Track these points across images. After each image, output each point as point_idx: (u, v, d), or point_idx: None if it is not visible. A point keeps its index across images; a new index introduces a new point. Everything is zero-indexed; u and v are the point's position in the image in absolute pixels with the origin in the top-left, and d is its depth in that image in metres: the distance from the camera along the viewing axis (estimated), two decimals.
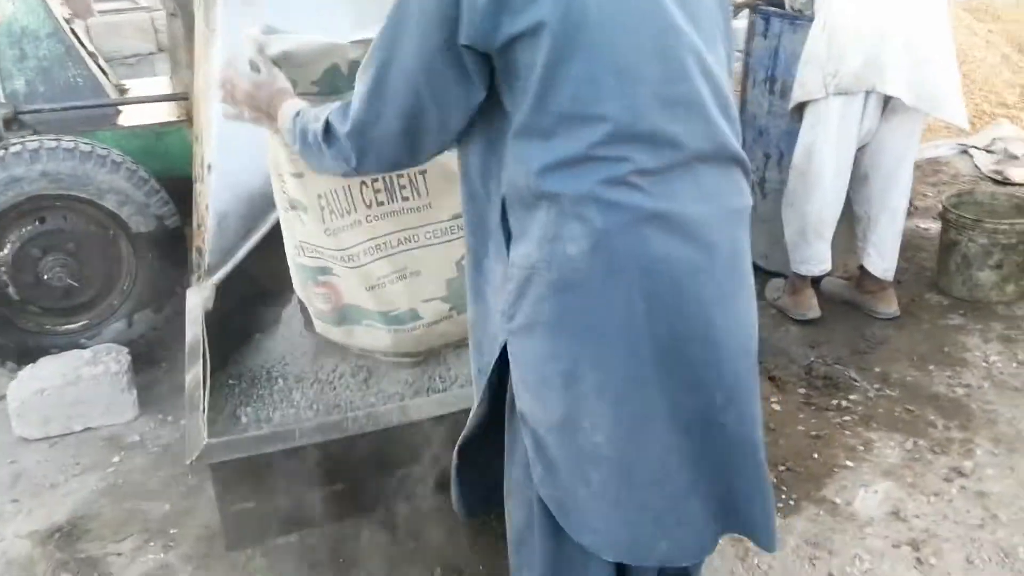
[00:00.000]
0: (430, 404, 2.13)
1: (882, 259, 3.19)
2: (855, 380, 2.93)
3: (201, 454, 1.93)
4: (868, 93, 2.91)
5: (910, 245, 3.64)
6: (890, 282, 3.25)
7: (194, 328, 2.27)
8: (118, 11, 6.33)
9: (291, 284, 2.30)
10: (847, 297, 3.37)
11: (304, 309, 2.34)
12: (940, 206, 3.49)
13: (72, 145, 2.80)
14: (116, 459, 2.65)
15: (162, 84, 4.00)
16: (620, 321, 1.35)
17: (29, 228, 2.86)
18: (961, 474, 2.48)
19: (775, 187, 3.39)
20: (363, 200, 2.07)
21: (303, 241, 2.13)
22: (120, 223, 2.90)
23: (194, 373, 2.15)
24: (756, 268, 3.53)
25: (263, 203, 2.39)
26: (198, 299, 2.35)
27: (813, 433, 2.67)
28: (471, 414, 1.65)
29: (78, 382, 2.73)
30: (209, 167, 2.40)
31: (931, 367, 2.98)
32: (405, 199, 2.11)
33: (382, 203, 2.09)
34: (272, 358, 2.47)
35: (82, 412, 2.76)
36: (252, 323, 2.55)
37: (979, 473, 2.48)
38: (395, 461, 2.18)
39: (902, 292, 3.38)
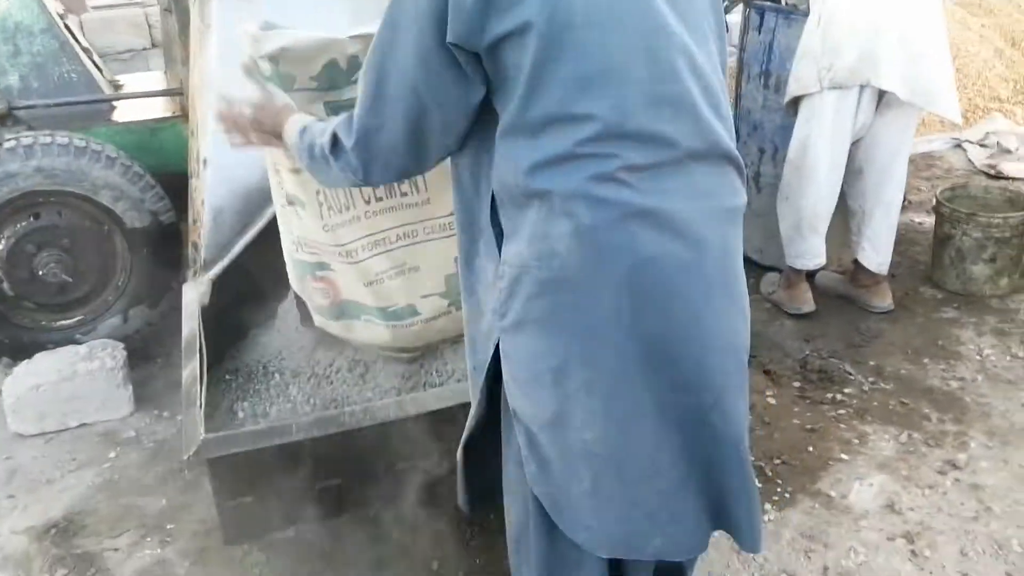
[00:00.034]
0: (427, 399, 2.13)
1: (877, 253, 3.20)
2: (850, 373, 2.94)
3: (198, 449, 1.93)
4: (862, 87, 2.92)
5: (904, 239, 3.66)
6: (884, 276, 3.26)
7: (190, 323, 2.27)
8: (111, 6, 6.32)
9: (287, 279, 2.30)
10: (841, 291, 3.38)
11: (301, 304, 2.34)
12: (934, 200, 3.50)
13: (67, 141, 2.80)
14: (112, 455, 2.65)
15: (156, 80, 3.99)
16: (609, 318, 1.35)
17: (24, 224, 2.86)
18: (955, 467, 2.49)
19: (770, 181, 3.39)
20: (362, 196, 2.07)
21: (301, 236, 2.13)
22: (115, 219, 2.90)
23: (191, 368, 2.15)
24: (751, 262, 3.59)
25: (259, 198, 2.39)
26: (194, 294, 2.35)
27: (808, 426, 2.68)
28: (471, 413, 1.64)
29: (74, 378, 2.72)
30: (205, 162, 2.40)
31: (925, 360, 2.99)
32: (404, 195, 2.11)
33: (380, 199, 2.09)
34: (268, 353, 2.47)
35: (78, 408, 2.76)
36: (248, 318, 2.55)
37: (973, 466, 2.49)
38: (392, 456, 2.18)
39: (896, 286, 3.40)
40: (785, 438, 2.62)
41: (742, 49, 3.47)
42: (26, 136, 2.79)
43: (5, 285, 2.87)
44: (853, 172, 3.15)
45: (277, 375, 2.40)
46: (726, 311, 1.43)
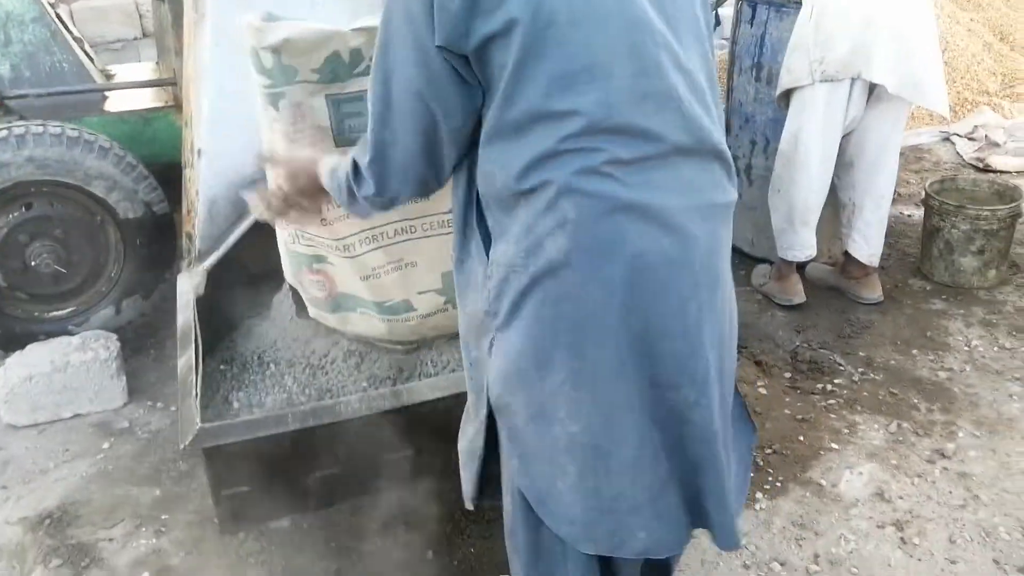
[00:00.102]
0: (422, 388, 2.13)
1: (867, 244, 3.22)
2: (840, 364, 2.96)
3: (194, 439, 1.93)
4: (854, 80, 2.94)
5: (893, 231, 3.68)
6: (874, 268, 3.29)
7: (185, 313, 2.26)
8: None
9: (281, 270, 2.30)
10: (832, 283, 3.41)
11: (296, 295, 2.34)
12: (923, 193, 3.52)
13: (59, 131, 2.78)
14: (106, 445, 2.65)
15: (147, 69, 3.97)
16: (595, 311, 1.35)
17: (16, 214, 2.84)
18: (944, 456, 2.52)
19: (761, 174, 3.41)
20: None
21: (298, 229, 2.13)
22: (108, 209, 2.89)
23: (186, 358, 2.15)
24: (742, 254, 3.62)
25: (254, 188, 2.38)
26: (189, 284, 2.35)
27: (799, 416, 2.70)
28: (467, 410, 1.64)
29: (67, 368, 2.72)
30: (199, 152, 2.39)
31: (914, 351, 3.02)
32: None
33: None
34: (263, 343, 2.47)
35: (71, 399, 2.75)
36: (243, 309, 2.55)
37: (961, 455, 2.52)
38: (387, 445, 2.19)
39: (886, 277, 3.42)
40: (776, 428, 2.64)
41: (734, 42, 3.48)
42: (18, 126, 2.77)
43: None
44: (844, 165, 3.17)
45: (272, 365, 2.40)
46: (712, 306, 1.43)
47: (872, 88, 2.99)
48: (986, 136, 4.82)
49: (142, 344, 3.10)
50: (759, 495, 2.36)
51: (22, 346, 2.81)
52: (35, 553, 2.23)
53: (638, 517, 1.46)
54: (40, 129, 2.77)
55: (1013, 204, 3.35)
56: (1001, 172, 4.43)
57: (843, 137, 3.09)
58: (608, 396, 1.39)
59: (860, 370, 2.92)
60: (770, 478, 2.44)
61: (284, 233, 2.17)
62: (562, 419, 1.41)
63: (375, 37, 1.40)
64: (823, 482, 2.43)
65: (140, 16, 6.28)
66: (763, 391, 2.82)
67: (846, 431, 2.63)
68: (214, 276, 2.40)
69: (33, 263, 2.87)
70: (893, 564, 2.16)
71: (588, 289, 1.34)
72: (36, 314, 2.97)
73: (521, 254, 1.36)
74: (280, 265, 2.28)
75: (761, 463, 2.49)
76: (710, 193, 1.41)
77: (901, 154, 3.26)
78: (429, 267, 2.19)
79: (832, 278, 3.41)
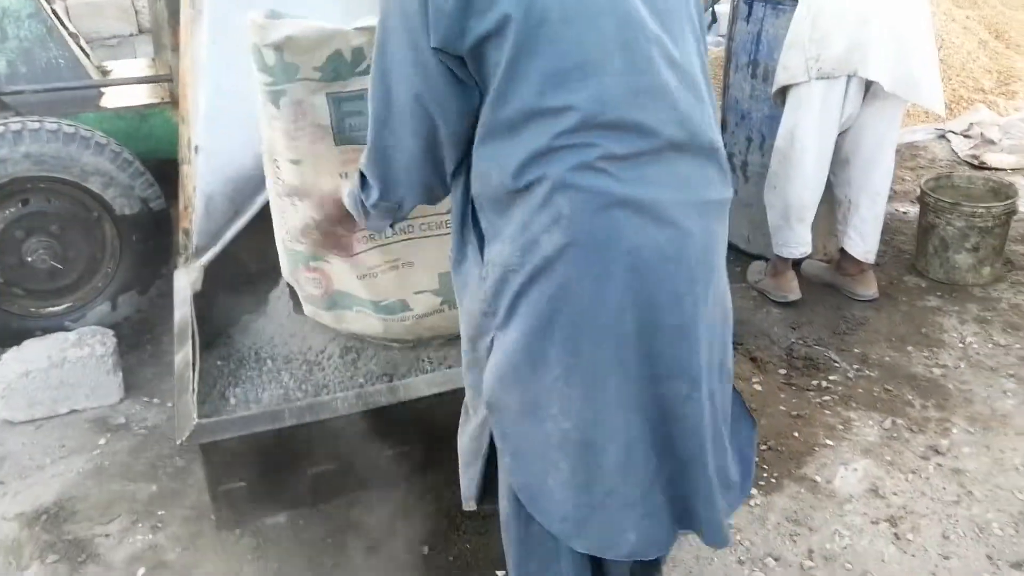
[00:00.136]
0: (418, 384, 2.14)
1: (863, 241, 3.23)
2: (835, 361, 2.97)
3: (191, 434, 1.94)
4: (850, 78, 2.94)
5: (888, 228, 3.69)
6: (870, 264, 3.30)
7: (183, 309, 2.27)
8: None
9: (278, 266, 2.30)
10: (827, 279, 3.41)
11: (293, 292, 2.35)
12: (918, 190, 3.53)
13: (55, 127, 2.78)
14: (102, 441, 2.65)
15: (143, 66, 3.97)
16: (590, 306, 1.35)
17: (12, 210, 2.83)
18: (938, 452, 2.53)
19: (757, 171, 3.42)
20: None
21: (296, 227, 2.13)
22: (104, 205, 2.88)
23: (183, 354, 2.15)
24: (738, 251, 3.62)
25: (251, 185, 2.39)
26: (186, 280, 2.35)
27: (794, 413, 2.71)
28: (470, 412, 1.64)
29: (63, 364, 2.71)
30: (196, 148, 2.40)
31: (909, 348, 3.03)
32: None
33: None
34: (260, 339, 2.47)
35: (67, 394, 2.75)
36: (239, 305, 2.55)
37: (955, 451, 2.53)
38: (383, 441, 2.20)
39: (881, 274, 3.43)
40: (771, 424, 2.65)
41: (730, 39, 3.49)
42: (14, 122, 2.77)
43: None
44: (840, 162, 3.17)
45: (269, 361, 2.41)
46: (707, 301, 1.44)
47: (868, 85, 3.00)
48: (981, 133, 4.83)
49: (138, 340, 3.10)
50: (754, 491, 2.37)
51: (18, 342, 2.80)
52: (32, 548, 2.23)
53: (629, 515, 1.47)
54: (37, 125, 2.77)
55: (1008, 201, 3.36)
56: (996, 169, 4.44)
57: (839, 134, 3.09)
58: (601, 392, 1.39)
59: (855, 367, 2.94)
60: (765, 474, 2.44)
61: (282, 231, 2.17)
62: (554, 415, 1.41)
63: None
64: (818, 478, 2.44)
65: (136, 12, 6.28)
66: (758, 387, 2.83)
67: (841, 427, 2.64)
68: (211, 272, 2.40)
69: (29, 259, 2.87)
70: (887, 559, 2.17)
71: (583, 284, 1.34)
72: (32, 310, 2.96)
73: (517, 253, 1.36)
74: (277, 261, 2.28)
75: (756, 459, 2.50)
76: (704, 189, 1.42)
77: (897, 151, 3.26)
78: (426, 267, 2.20)
79: (828, 275, 3.42)
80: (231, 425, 2.02)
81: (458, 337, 1.66)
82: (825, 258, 3.51)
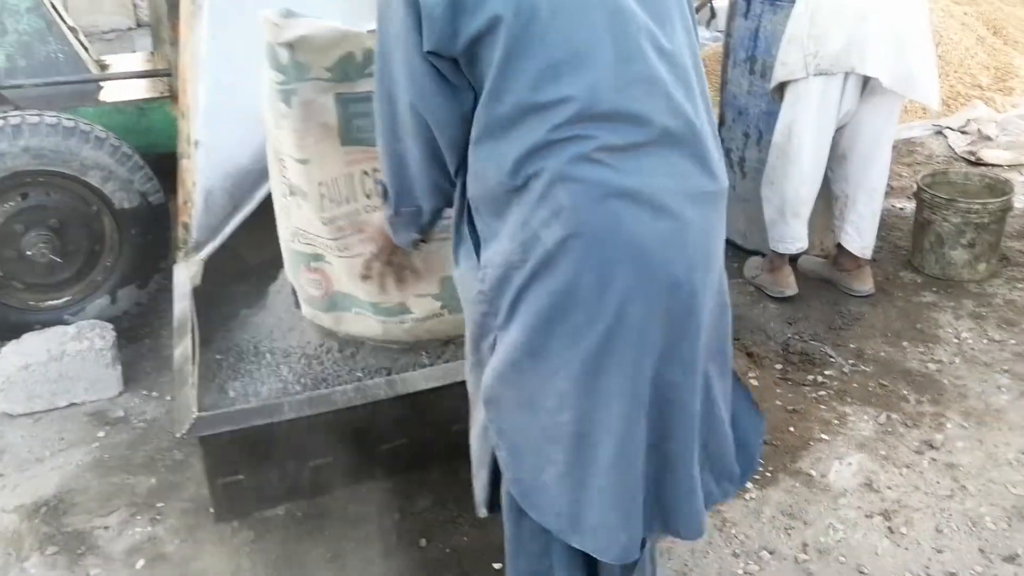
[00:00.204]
0: (417, 378, 2.15)
1: (860, 237, 3.24)
2: (831, 356, 2.99)
3: (191, 427, 1.95)
4: (848, 74, 2.95)
5: (885, 224, 3.70)
6: (866, 260, 3.31)
7: (182, 303, 2.28)
8: None
9: (278, 261, 2.31)
10: (824, 275, 3.43)
11: (295, 290, 2.35)
12: (915, 186, 3.54)
13: (55, 121, 2.78)
14: (101, 434, 2.65)
15: (141, 60, 3.97)
16: (591, 297, 1.36)
17: (11, 204, 2.84)
18: (932, 447, 2.55)
19: (754, 166, 3.43)
20: (363, 190, 2.08)
21: (298, 228, 2.13)
22: (103, 199, 2.88)
23: (182, 348, 2.16)
24: (735, 247, 3.63)
25: (250, 179, 2.40)
26: (186, 274, 2.36)
27: (790, 407, 2.72)
28: (474, 415, 1.64)
29: (63, 358, 2.72)
30: (196, 144, 2.41)
31: (904, 343, 3.05)
32: None
33: None
34: (259, 333, 2.48)
35: (67, 388, 2.75)
36: (238, 299, 2.56)
37: (949, 446, 2.55)
38: (381, 434, 2.21)
39: (877, 270, 3.45)
40: (767, 419, 2.65)
41: (728, 35, 3.49)
42: (14, 116, 2.77)
43: None
44: (837, 157, 3.18)
45: (268, 355, 2.42)
46: (706, 291, 1.45)
47: (866, 82, 3.00)
48: (978, 130, 4.84)
49: (137, 334, 3.11)
50: (749, 485, 2.38)
51: (18, 335, 2.80)
52: (31, 540, 2.24)
53: (620, 513, 1.47)
54: (36, 119, 2.77)
55: (1004, 198, 3.37)
56: (993, 165, 4.45)
57: (837, 130, 3.10)
58: (599, 383, 1.40)
59: (851, 362, 2.95)
60: (760, 468, 2.45)
61: (285, 232, 2.18)
62: (550, 409, 1.42)
63: None
64: (813, 472, 2.46)
65: (134, 6, 6.28)
66: (754, 382, 2.84)
67: (836, 422, 2.66)
68: (210, 267, 2.41)
69: (29, 252, 2.87)
70: (880, 553, 2.18)
71: (584, 275, 1.35)
72: (32, 303, 2.96)
73: (518, 250, 1.37)
74: (275, 256, 2.30)
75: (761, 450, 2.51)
76: (700, 179, 1.43)
77: (894, 147, 3.27)
78: (427, 271, 2.20)
79: (824, 270, 3.43)
80: (230, 418, 2.03)
81: (457, 337, 1.67)
82: (822, 254, 3.53)
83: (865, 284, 3.32)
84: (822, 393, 2.79)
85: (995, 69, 5.50)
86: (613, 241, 1.34)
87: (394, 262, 1.81)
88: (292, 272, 2.25)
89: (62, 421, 2.71)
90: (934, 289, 3.39)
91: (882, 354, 2.99)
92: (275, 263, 2.31)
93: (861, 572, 2.13)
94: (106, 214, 2.93)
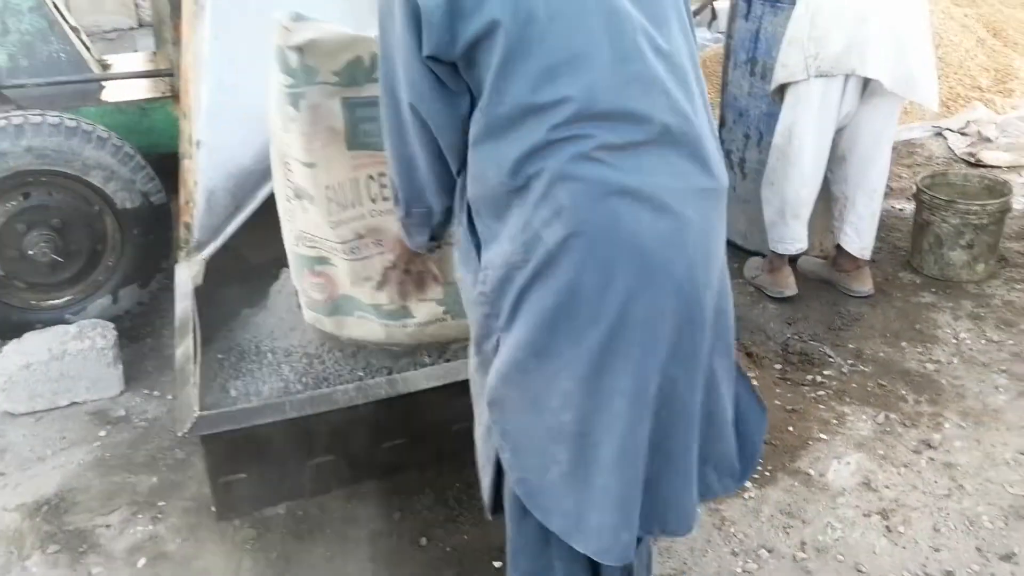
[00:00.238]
0: (418, 378, 2.16)
1: (859, 238, 3.25)
2: (830, 356, 3.00)
3: (193, 426, 1.95)
4: (848, 76, 2.96)
5: (884, 225, 3.70)
6: (866, 261, 3.31)
7: (184, 303, 2.28)
8: None
9: (280, 260, 2.31)
10: (823, 276, 3.43)
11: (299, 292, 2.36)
12: (914, 187, 3.55)
13: (57, 120, 2.78)
14: (102, 433, 2.66)
15: (143, 60, 3.98)
16: (593, 296, 1.36)
17: (13, 204, 2.84)
18: (930, 446, 2.55)
19: (755, 167, 3.43)
20: (368, 195, 2.08)
21: (303, 231, 2.13)
22: (105, 199, 2.89)
23: (184, 347, 2.17)
24: (736, 247, 3.64)
25: (252, 180, 2.41)
26: (187, 274, 2.36)
27: (789, 407, 2.73)
28: (477, 417, 1.64)
29: (64, 357, 2.72)
30: (198, 144, 2.41)
31: (903, 343, 3.06)
32: None
33: (387, 199, 2.09)
34: (261, 333, 2.49)
35: (68, 387, 2.75)
36: (240, 299, 2.57)
37: (947, 445, 2.56)
38: (382, 433, 2.22)
39: (876, 271, 3.45)
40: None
41: (729, 36, 3.50)
42: (16, 115, 2.77)
43: None
44: (837, 159, 3.19)
45: (269, 354, 2.42)
46: (708, 288, 1.45)
47: (866, 83, 3.01)
48: (978, 131, 4.85)
49: (139, 333, 3.11)
50: (748, 483, 2.39)
51: (19, 335, 2.81)
52: (33, 539, 2.25)
53: (621, 513, 1.47)
54: (38, 119, 2.77)
55: (1002, 199, 3.38)
56: (992, 167, 4.45)
57: (837, 131, 3.11)
58: (602, 383, 1.40)
59: (849, 362, 2.96)
60: (759, 467, 2.46)
61: (290, 235, 2.18)
62: (554, 409, 1.42)
63: None
64: (811, 471, 2.46)
65: (136, 6, 6.28)
66: (754, 382, 2.84)
67: (835, 422, 2.67)
68: (212, 266, 2.42)
69: (31, 252, 2.87)
70: (878, 552, 2.19)
71: (586, 274, 1.36)
72: (33, 303, 2.97)
73: (520, 250, 1.38)
74: (277, 256, 2.30)
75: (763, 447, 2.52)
76: (698, 178, 1.43)
77: (893, 149, 3.28)
78: (445, 274, 2.20)
79: (823, 271, 3.44)
80: (232, 417, 2.04)
81: (460, 341, 1.68)
82: (821, 254, 3.53)
83: (864, 285, 3.32)
84: (821, 393, 2.80)
85: (995, 71, 5.50)
86: (613, 240, 1.35)
87: (412, 270, 1.83)
88: (296, 276, 2.25)
89: (63, 420, 2.72)
90: (933, 290, 3.40)
91: (881, 354, 3.00)
92: (276, 263, 2.32)
93: (859, 570, 2.14)
94: (108, 214, 2.93)
